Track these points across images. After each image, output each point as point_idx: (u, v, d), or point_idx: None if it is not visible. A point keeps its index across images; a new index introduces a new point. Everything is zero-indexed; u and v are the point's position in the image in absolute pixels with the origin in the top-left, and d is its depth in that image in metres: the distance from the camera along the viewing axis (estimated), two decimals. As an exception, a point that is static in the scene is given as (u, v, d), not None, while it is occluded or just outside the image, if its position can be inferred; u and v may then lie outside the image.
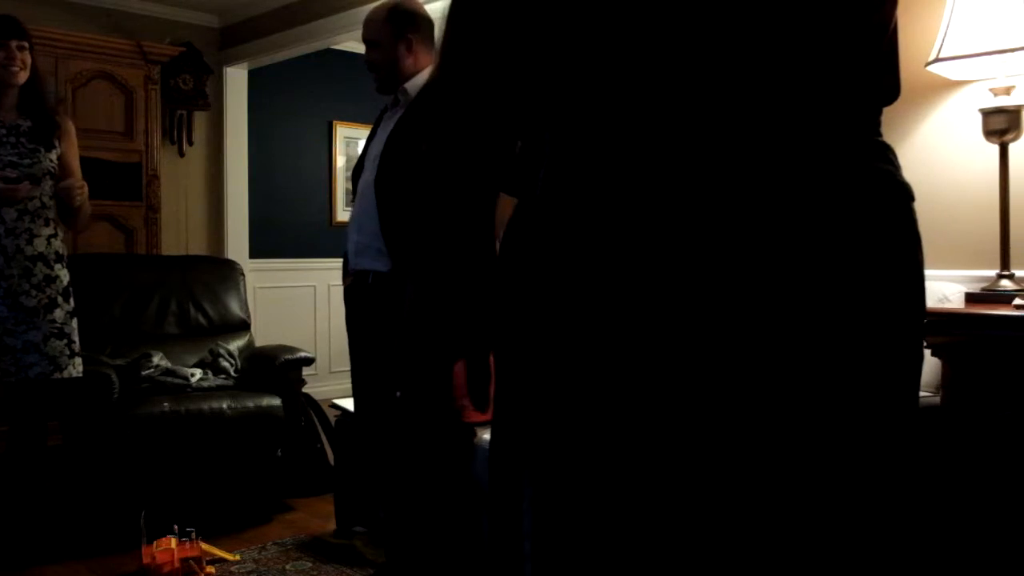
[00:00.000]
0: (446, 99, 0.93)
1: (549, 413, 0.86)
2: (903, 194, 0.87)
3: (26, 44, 2.86)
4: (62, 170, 2.93)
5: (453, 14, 0.91)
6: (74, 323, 2.94)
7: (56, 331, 2.87)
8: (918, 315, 0.88)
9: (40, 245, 2.86)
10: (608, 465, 0.83)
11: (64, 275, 2.94)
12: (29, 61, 2.88)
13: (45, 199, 2.88)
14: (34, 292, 2.84)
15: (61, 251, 2.95)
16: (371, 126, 2.82)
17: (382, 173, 2.58)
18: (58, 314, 2.88)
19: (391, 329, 2.55)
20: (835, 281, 0.80)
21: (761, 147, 0.79)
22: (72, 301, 2.96)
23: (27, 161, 2.83)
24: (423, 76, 2.61)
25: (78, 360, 2.95)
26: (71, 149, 2.99)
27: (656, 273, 0.79)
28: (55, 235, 2.93)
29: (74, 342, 2.94)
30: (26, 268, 2.83)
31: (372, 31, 2.63)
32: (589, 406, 0.83)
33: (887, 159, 0.87)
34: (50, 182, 2.88)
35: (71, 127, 3.02)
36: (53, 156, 2.91)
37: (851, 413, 0.82)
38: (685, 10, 0.79)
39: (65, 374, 2.88)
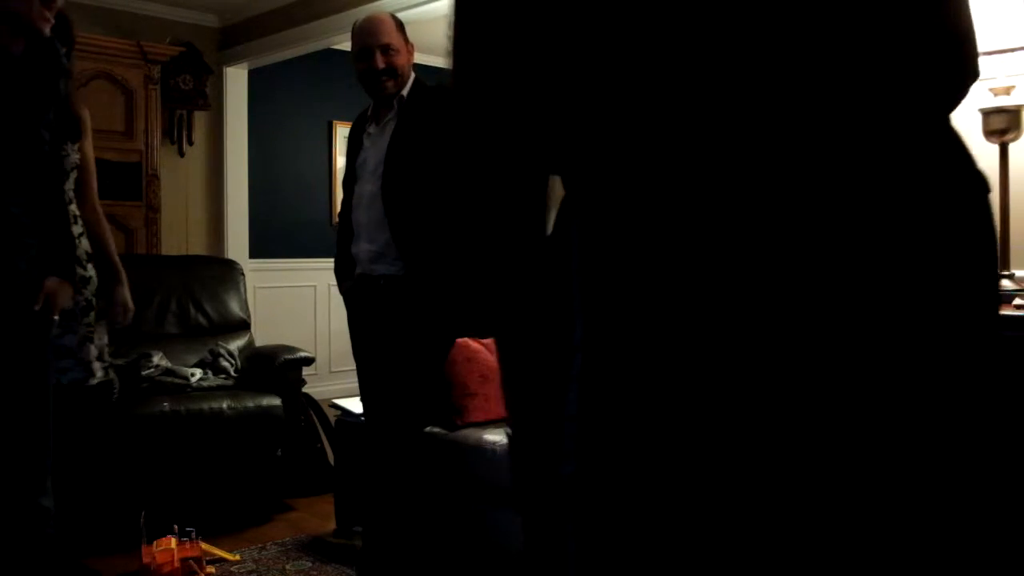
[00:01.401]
0: (471, 111, 0.89)
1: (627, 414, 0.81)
2: (979, 186, 0.82)
3: (64, 49, 2.68)
4: (83, 162, 2.80)
5: (460, 14, 0.88)
6: (103, 325, 2.79)
7: (90, 335, 2.72)
8: (992, 316, 0.85)
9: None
10: (684, 471, 0.78)
11: (94, 276, 2.78)
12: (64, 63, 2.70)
13: (71, 194, 2.73)
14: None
15: (89, 250, 2.79)
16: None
17: (388, 183, 2.59)
18: (92, 317, 2.73)
19: (402, 327, 2.56)
20: (910, 280, 0.77)
21: (823, 136, 0.76)
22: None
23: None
24: (410, 83, 2.67)
25: (99, 365, 2.80)
26: (88, 141, 2.86)
27: (729, 272, 0.76)
28: (83, 233, 2.77)
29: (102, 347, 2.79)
30: None
31: (394, 37, 2.63)
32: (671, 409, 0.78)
33: (959, 146, 0.82)
34: (74, 175, 2.75)
35: (88, 118, 2.88)
36: (78, 148, 2.77)
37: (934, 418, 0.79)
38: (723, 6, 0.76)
39: (94, 380, 2.74)
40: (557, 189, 0.92)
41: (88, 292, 2.73)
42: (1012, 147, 2.42)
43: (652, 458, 0.80)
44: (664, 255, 0.79)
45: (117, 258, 2.89)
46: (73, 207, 2.73)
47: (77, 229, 2.73)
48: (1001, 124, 2.39)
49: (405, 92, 2.66)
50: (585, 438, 0.84)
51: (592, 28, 0.80)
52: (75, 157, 2.76)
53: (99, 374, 2.78)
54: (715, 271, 0.77)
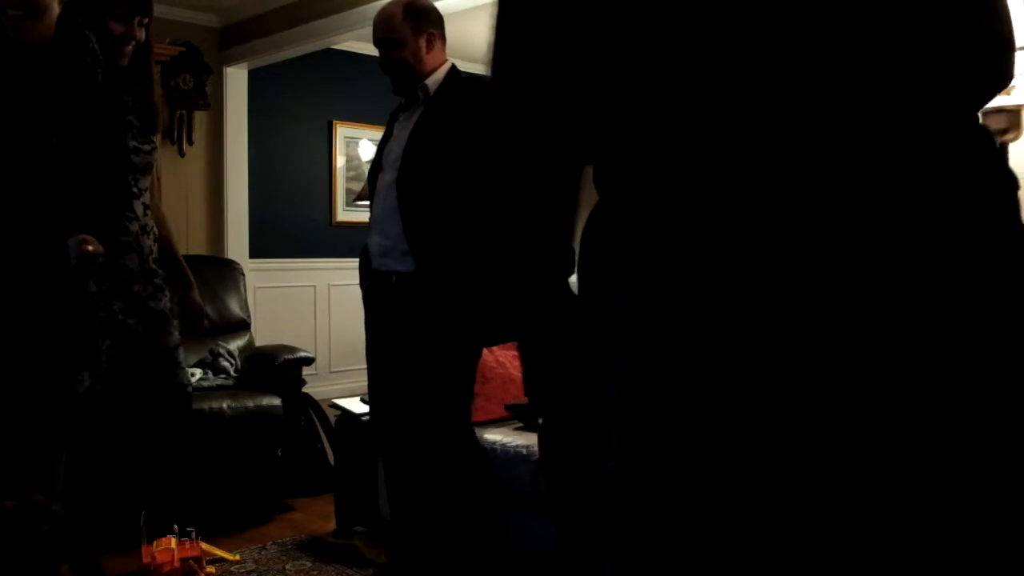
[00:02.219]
0: (508, 114, 0.89)
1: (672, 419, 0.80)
2: (1009, 183, 0.81)
3: (147, 19, 2.46)
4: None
5: (502, 17, 0.88)
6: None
7: (177, 343, 2.62)
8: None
9: (155, 245, 2.57)
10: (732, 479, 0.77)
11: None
12: (143, 37, 2.46)
13: (146, 196, 2.57)
14: (159, 296, 2.53)
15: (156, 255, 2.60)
16: (372, 126, 2.80)
17: (404, 174, 2.49)
18: (175, 325, 2.62)
19: (413, 329, 2.48)
20: (943, 279, 0.75)
21: (861, 137, 0.75)
22: None
23: (147, 147, 2.51)
24: (441, 72, 2.56)
25: (185, 371, 2.66)
26: (156, 135, 2.71)
27: (777, 277, 0.76)
28: (156, 239, 2.59)
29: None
30: (151, 271, 2.52)
31: (393, 31, 2.53)
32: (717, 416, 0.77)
33: (990, 145, 0.82)
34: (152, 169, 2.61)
35: (162, 109, 2.78)
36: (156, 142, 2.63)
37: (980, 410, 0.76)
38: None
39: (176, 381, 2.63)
40: (590, 193, 0.92)
41: (167, 299, 2.59)
42: (1012, 147, 2.42)
43: (694, 457, 0.79)
44: (705, 254, 0.78)
45: (184, 261, 2.77)
46: (146, 197, 2.57)
47: (154, 229, 2.58)
48: (1001, 124, 2.40)
49: (430, 82, 2.54)
50: (626, 435, 0.83)
51: (629, 22, 0.80)
52: (156, 154, 2.61)
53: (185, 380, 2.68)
54: (754, 270, 0.77)
